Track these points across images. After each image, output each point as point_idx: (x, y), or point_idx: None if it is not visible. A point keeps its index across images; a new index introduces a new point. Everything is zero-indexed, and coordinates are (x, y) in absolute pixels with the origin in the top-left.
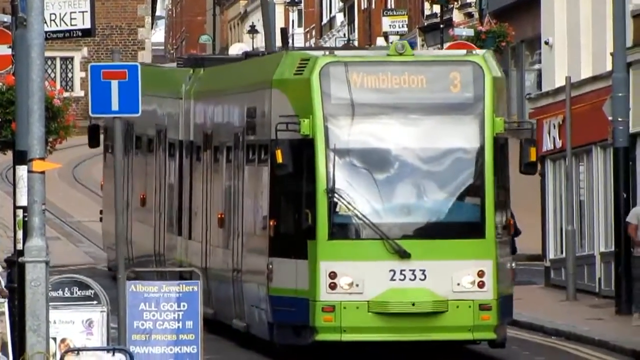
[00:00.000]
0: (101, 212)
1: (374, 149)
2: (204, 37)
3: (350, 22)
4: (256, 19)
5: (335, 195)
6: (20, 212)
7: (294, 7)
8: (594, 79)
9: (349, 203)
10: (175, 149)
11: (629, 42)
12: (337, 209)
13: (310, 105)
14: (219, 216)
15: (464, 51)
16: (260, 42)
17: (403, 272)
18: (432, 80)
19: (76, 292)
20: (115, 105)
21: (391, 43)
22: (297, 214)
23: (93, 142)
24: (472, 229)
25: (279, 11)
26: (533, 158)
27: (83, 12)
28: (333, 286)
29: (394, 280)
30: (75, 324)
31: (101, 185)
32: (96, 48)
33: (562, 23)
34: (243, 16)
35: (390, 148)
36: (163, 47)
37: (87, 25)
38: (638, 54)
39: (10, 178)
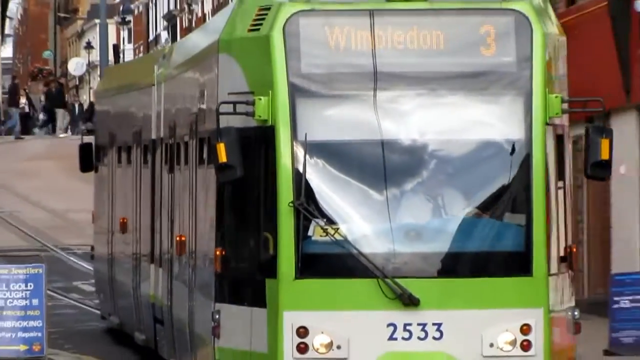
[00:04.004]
0: (92, 248)
1: (364, 142)
2: (46, 53)
3: (174, 39)
4: (91, 36)
5: (307, 211)
6: None
7: (125, 26)
8: None
9: (326, 223)
10: (148, 152)
11: None
12: (309, 233)
13: (270, 77)
14: (178, 240)
15: None
16: (95, 56)
17: (408, 328)
18: (454, 38)
19: None
20: None
21: None
22: (252, 239)
23: (85, 166)
24: (513, 262)
25: (112, 29)
26: (605, 156)
27: None
28: (303, 349)
29: (395, 339)
30: None
31: (92, 215)
32: None
33: None
34: (80, 34)
35: (390, 140)
36: (11, 62)
37: None
38: None
39: None
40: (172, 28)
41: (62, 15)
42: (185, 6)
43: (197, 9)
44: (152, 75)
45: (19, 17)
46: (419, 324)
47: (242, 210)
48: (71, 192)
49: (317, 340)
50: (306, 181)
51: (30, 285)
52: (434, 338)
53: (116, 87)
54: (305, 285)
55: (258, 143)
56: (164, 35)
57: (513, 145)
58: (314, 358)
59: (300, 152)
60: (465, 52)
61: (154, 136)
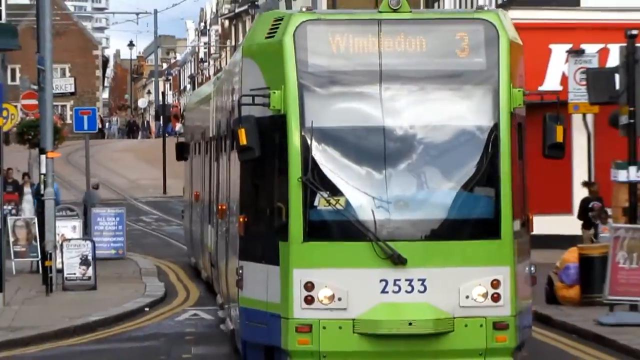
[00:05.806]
0: (182, 211)
1: (361, 127)
2: (126, 96)
3: (194, 89)
4: (150, 87)
5: (313, 185)
6: (41, 176)
7: (167, 82)
8: None
9: (329, 195)
10: (209, 145)
11: None
12: (315, 203)
13: (282, 74)
14: (220, 208)
15: (473, 9)
16: (152, 97)
17: (397, 283)
18: (435, 43)
19: (67, 212)
20: (85, 127)
21: None
22: (268, 208)
23: (180, 157)
24: (485, 228)
25: (161, 84)
26: (560, 139)
27: (70, 84)
28: (309, 300)
29: (386, 292)
30: (67, 227)
31: (183, 189)
32: (76, 100)
33: None
34: (144, 86)
35: (381, 126)
36: (108, 100)
37: (72, 90)
38: None
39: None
40: (192, 83)
41: (134, 75)
42: (200, 71)
43: (206, 72)
44: (211, 91)
45: (112, 76)
46: (406, 280)
47: (259, 184)
48: (139, 169)
49: (321, 293)
50: (312, 160)
51: (117, 219)
52: (419, 291)
53: (193, 103)
54: (312, 247)
55: (272, 129)
56: (188, 87)
57: (484, 131)
58: (319, 308)
59: (307, 136)
60: (444, 54)
61: (211, 134)
